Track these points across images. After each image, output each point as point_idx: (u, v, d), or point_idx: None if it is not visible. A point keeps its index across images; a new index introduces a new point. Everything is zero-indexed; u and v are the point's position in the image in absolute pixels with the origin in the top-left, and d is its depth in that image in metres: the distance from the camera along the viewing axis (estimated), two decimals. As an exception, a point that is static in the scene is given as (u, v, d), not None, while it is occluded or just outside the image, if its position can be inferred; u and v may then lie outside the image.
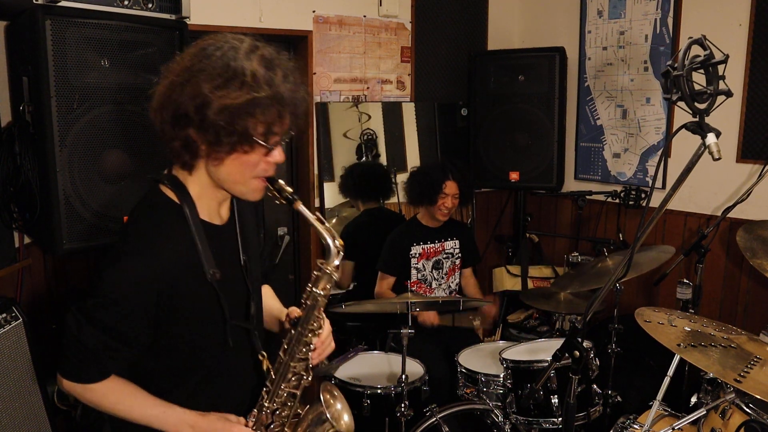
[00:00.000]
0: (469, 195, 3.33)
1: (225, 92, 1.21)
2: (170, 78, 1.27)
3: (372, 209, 3.67)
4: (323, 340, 1.46)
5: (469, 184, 3.29)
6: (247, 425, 1.40)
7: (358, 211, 3.69)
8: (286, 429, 1.45)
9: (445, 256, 3.28)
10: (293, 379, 1.44)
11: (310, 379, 1.46)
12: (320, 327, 1.43)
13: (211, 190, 1.36)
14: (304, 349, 1.42)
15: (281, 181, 1.38)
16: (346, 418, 1.47)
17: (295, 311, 1.48)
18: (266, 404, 1.41)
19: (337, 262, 1.38)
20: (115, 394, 1.34)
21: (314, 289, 1.39)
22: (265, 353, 1.46)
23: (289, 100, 1.26)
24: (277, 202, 1.38)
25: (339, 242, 1.38)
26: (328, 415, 1.42)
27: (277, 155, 1.30)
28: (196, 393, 1.40)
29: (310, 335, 1.42)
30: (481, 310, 3.25)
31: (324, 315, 1.44)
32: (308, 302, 1.41)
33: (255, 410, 1.43)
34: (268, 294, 1.69)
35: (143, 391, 1.36)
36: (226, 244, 1.41)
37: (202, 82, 1.22)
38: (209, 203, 1.38)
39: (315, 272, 1.39)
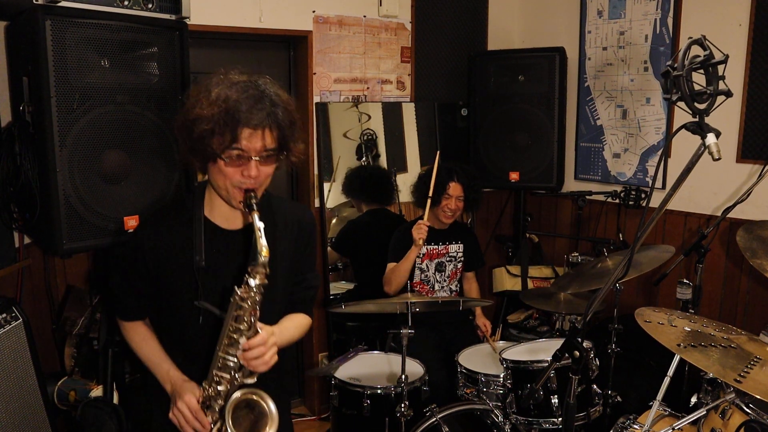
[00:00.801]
0: (475, 200, 3.28)
1: (186, 110, 1.47)
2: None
3: (374, 210, 3.68)
4: (251, 345, 1.49)
5: (477, 189, 3.26)
6: (198, 401, 1.56)
7: (359, 211, 3.70)
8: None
9: (448, 258, 3.27)
10: (226, 371, 1.53)
11: (248, 381, 1.54)
12: (249, 329, 1.50)
13: (218, 196, 1.58)
14: (231, 344, 1.51)
15: (252, 193, 1.51)
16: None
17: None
18: (206, 386, 1.56)
19: (260, 272, 1.48)
20: (136, 336, 1.71)
21: (237, 291, 1.49)
22: None
23: (246, 117, 1.41)
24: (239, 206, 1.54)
25: (266, 256, 1.46)
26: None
27: (252, 170, 1.47)
28: (170, 351, 1.69)
29: (236, 335, 1.50)
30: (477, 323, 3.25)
31: (259, 325, 1.51)
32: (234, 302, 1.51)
33: (203, 386, 1.57)
34: (296, 321, 1.77)
35: (155, 340, 1.70)
36: (232, 247, 1.61)
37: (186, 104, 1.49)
38: (221, 208, 1.61)
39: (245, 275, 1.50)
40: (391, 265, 3.12)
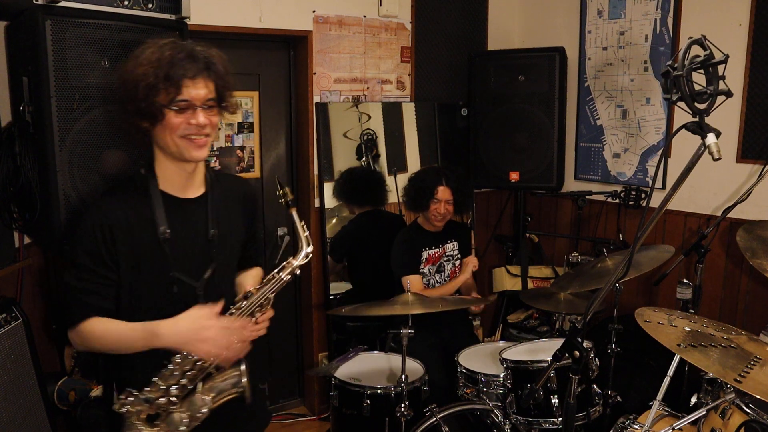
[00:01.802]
0: (465, 203, 3.30)
1: (126, 74, 1.54)
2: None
3: (366, 212, 3.66)
4: (266, 317, 1.69)
5: (466, 193, 3.27)
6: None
7: (352, 214, 3.69)
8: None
9: (446, 259, 3.29)
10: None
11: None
12: (268, 305, 1.69)
13: (171, 165, 1.62)
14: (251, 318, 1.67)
15: (288, 188, 1.73)
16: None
17: (251, 287, 1.70)
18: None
19: (299, 263, 1.69)
20: (97, 329, 1.56)
21: (277, 274, 1.67)
22: None
23: (185, 69, 1.51)
24: (281, 201, 1.73)
25: (311, 250, 1.70)
26: (242, 380, 1.61)
27: (200, 117, 1.55)
28: None
29: (257, 309, 1.67)
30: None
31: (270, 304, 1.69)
32: (266, 283, 1.67)
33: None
34: (252, 273, 1.90)
35: (119, 321, 1.58)
36: (192, 216, 1.66)
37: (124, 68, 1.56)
38: (173, 178, 1.64)
39: (285, 264, 1.68)
40: (413, 280, 2.99)
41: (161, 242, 1.58)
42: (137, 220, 1.57)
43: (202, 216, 1.68)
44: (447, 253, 3.29)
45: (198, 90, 1.55)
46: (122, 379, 1.62)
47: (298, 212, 1.79)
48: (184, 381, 1.56)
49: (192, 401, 1.57)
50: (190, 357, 1.56)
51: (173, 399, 1.55)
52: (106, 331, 1.56)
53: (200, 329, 1.54)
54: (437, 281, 3.26)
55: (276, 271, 1.68)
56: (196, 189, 1.69)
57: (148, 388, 1.55)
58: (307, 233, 1.71)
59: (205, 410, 1.56)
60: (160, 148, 1.61)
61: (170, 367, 1.56)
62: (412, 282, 2.97)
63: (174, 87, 1.51)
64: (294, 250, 1.81)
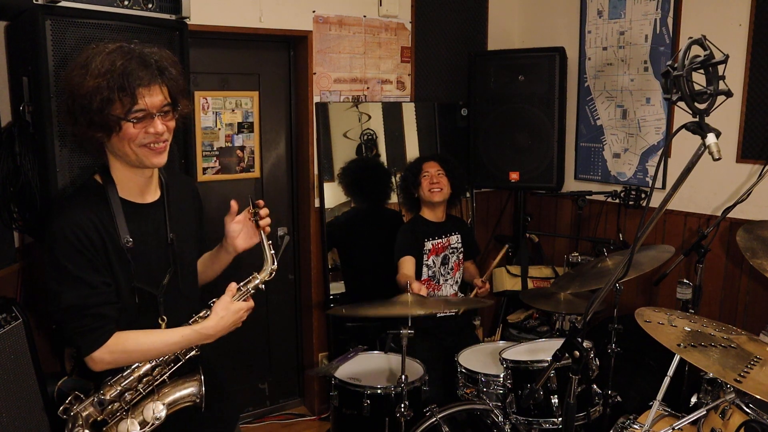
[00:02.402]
0: (460, 176, 3.31)
1: (74, 88, 1.48)
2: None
3: (367, 206, 3.66)
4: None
5: (457, 169, 3.31)
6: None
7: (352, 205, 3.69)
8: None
9: (451, 250, 3.29)
10: None
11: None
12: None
13: (128, 171, 1.59)
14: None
15: (262, 211, 1.74)
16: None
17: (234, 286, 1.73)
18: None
19: (262, 279, 1.72)
20: (132, 345, 1.54)
21: (243, 287, 1.72)
22: (165, 318, 1.63)
23: (139, 78, 1.46)
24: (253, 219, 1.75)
25: (274, 269, 1.73)
26: (200, 390, 1.62)
27: (158, 126, 1.52)
28: None
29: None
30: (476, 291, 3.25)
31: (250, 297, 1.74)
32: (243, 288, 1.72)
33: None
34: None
35: (149, 331, 1.59)
36: (151, 220, 1.64)
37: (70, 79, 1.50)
38: (130, 184, 1.61)
39: (251, 277, 1.72)
40: (403, 266, 3.09)
41: (124, 251, 1.55)
42: (102, 227, 1.53)
43: (160, 220, 1.66)
44: (452, 245, 3.29)
45: (153, 98, 1.51)
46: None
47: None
48: (140, 386, 1.56)
49: (145, 408, 1.55)
50: (149, 363, 1.58)
51: (128, 400, 1.54)
52: (145, 344, 1.56)
53: (238, 319, 1.67)
54: (442, 274, 3.26)
55: (242, 284, 1.73)
56: (152, 193, 1.67)
57: (102, 391, 1.53)
58: (272, 252, 1.74)
59: (159, 417, 1.54)
60: (116, 156, 1.57)
61: (127, 371, 1.56)
62: (405, 263, 3.08)
63: (129, 98, 1.47)
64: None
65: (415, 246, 3.16)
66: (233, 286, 1.69)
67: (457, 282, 3.31)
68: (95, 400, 1.52)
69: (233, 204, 1.79)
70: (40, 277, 2.73)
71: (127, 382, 1.55)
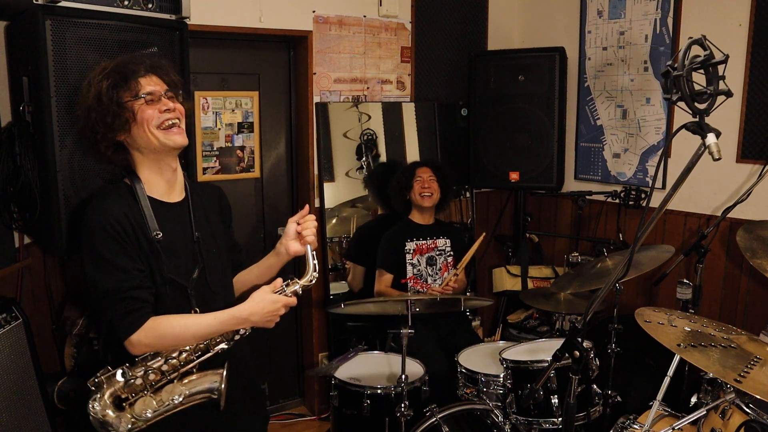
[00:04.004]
0: (449, 184, 3.39)
1: (84, 98, 1.61)
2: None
3: (386, 216, 3.63)
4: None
5: (448, 175, 3.39)
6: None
7: (366, 211, 3.68)
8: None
9: (438, 252, 3.34)
10: None
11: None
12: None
13: (155, 168, 1.66)
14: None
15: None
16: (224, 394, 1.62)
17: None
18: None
19: (302, 283, 1.70)
20: (167, 329, 1.57)
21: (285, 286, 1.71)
22: (197, 310, 1.66)
23: (135, 69, 1.59)
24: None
25: (315, 276, 1.72)
26: (219, 386, 1.61)
27: (168, 103, 1.61)
28: None
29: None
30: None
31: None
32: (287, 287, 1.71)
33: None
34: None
35: (184, 316, 1.62)
36: (178, 219, 1.70)
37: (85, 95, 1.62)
38: (156, 183, 1.68)
39: (292, 281, 1.71)
40: (380, 279, 3.27)
41: (155, 243, 1.61)
42: (134, 219, 1.60)
43: (186, 219, 1.72)
44: (439, 248, 3.34)
45: (154, 84, 1.61)
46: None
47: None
48: (165, 367, 1.58)
49: (165, 390, 1.58)
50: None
51: (151, 380, 1.56)
52: (179, 326, 1.59)
53: (274, 310, 1.64)
54: (429, 274, 3.31)
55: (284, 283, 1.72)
56: (178, 193, 1.74)
57: (130, 367, 1.57)
58: (315, 261, 1.74)
59: (176, 401, 1.56)
60: (141, 152, 1.65)
61: (158, 355, 1.59)
62: (382, 278, 3.27)
63: (134, 82, 1.58)
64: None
65: (393, 258, 3.27)
66: (279, 280, 1.70)
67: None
68: (122, 372, 1.56)
69: (306, 206, 1.86)
70: (40, 276, 2.74)
71: (155, 363, 1.57)
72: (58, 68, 2.05)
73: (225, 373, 1.61)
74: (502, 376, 2.56)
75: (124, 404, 1.56)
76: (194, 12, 2.51)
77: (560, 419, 2.39)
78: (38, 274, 2.72)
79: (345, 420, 2.67)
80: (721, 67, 1.38)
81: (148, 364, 1.57)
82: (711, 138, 1.33)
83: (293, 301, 1.68)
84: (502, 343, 3.04)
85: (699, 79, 1.39)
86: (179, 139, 1.64)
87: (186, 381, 1.60)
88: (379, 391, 2.58)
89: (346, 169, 3.64)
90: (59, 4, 2.05)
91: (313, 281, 1.71)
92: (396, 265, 3.27)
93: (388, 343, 3.04)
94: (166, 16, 2.38)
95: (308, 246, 1.78)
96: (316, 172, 3.54)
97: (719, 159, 1.33)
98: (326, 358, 3.68)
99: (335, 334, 3.65)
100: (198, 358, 1.62)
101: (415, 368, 2.74)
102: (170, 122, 1.62)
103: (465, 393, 2.70)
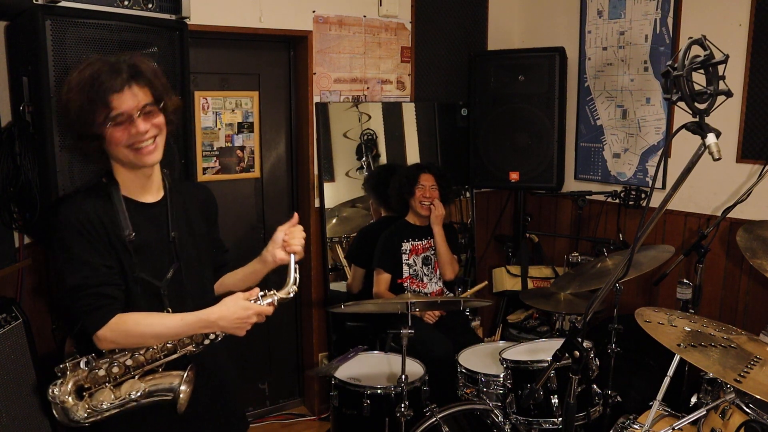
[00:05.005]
0: (449, 191, 3.42)
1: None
2: None
3: (390, 218, 3.62)
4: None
5: (449, 182, 3.42)
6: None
7: (372, 215, 3.68)
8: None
9: (433, 252, 3.38)
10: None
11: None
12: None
13: (128, 172, 1.65)
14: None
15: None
16: (183, 396, 1.59)
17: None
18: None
19: (277, 298, 1.66)
20: (132, 326, 1.56)
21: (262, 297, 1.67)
22: (170, 310, 1.64)
23: (109, 84, 1.51)
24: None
25: (294, 290, 1.69)
26: (178, 387, 1.58)
27: (139, 126, 1.56)
28: None
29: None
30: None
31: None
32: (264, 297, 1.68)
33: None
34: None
35: (151, 314, 1.60)
36: (153, 219, 1.69)
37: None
38: (132, 184, 1.66)
39: (270, 292, 1.67)
40: (379, 280, 3.29)
41: (126, 243, 1.60)
42: (106, 219, 1.59)
43: (162, 219, 1.71)
44: (434, 247, 3.36)
45: (128, 101, 1.54)
46: None
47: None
48: (130, 362, 1.57)
49: (125, 385, 1.57)
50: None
51: (114, 373, 1.55)
52: (145, 324, 1.57)
53: (245, 317, 1.61)
54: (425, 273, 3.34)
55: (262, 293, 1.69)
56: (155, 193, 1.72)
57: (95, 357, 1.57)
58: (297, 275, 1.71)
59: (133, 396, 1.55)
60: (115, 159, 1.64)
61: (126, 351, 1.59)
62: (380, 279, 3.29)
63: (103, 105, 1.52)
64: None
65: (390, 258, 3.30)
66: (256, 289, 1.67)
67: (441, 280, 3.41)
68: (87, 361, 1.56)
69: (295, 215, 1.84)
70: (40, 276, 2.73)
71: (121, 357, 1.57)
72: (58, 68, 2.05)
73: (186, 375, 1.58)
74: (502, 376, 2.56)
75: (84, 393, 1.56)
76: (194, 12, 2.51)
77: (560, 419, 2.39)
78: (38, 274, 2.72)
79: (345, 420, 2.67)
80: (721, 67, 1.38)
81: (114, 357, 1.57)
82: (711, 138, 1.33)
83: (268, 310, 1.64)
84: (502, 343, 3.04)
85: (699, 79, 1.39)
86: (149, 159, 1.61)
87: (148, 378, 1.59)
88: (379, 391, 2.58)
89: (346, 169, 3.64)
90: (59, 4, 2.05)
91: (292, 294, 1.67)
92: (393, 265, 3.29)
93: (388, 343, 3.04)
94: (166, 16, 2.38)
95: (292, 256, 1.74)
96: (316, 172, 3.54)
97: (719, 159, 1.33)
98: (326, 358, 3.68)
99: (335, 334, 3.65)
100: (164, 357, 1.61)
101: (415, 368, 2.74)
102: (141, 144, 1.58)
103: (465, 393, 2.70)
